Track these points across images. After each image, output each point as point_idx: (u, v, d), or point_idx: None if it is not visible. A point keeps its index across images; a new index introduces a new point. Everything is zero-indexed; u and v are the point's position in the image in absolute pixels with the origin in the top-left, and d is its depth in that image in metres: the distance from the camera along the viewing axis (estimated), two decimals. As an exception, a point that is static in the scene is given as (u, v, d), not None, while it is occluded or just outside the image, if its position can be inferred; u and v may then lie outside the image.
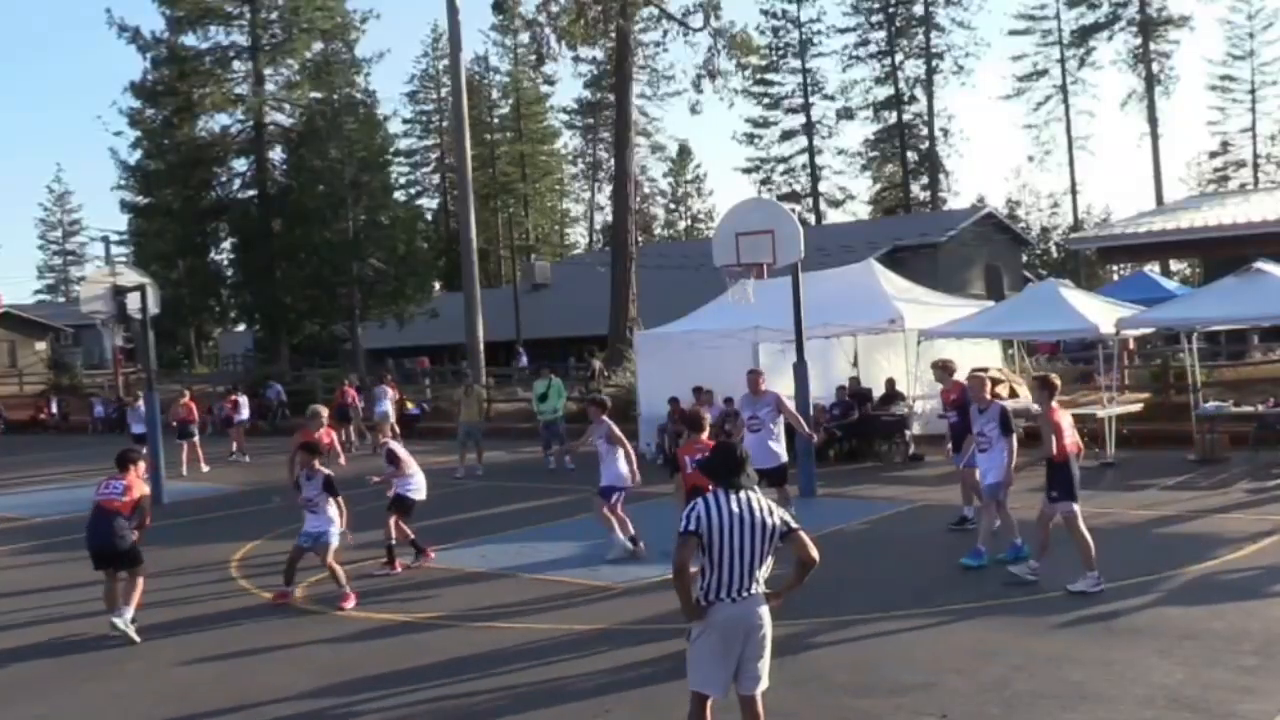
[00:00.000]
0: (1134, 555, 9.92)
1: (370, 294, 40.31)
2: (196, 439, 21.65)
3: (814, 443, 13.84)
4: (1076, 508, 8.94)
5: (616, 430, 11.27)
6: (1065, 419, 9.16)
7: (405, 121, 71.29)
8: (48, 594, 10.93)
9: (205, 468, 21.60)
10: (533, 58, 41.50)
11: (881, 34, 65.88)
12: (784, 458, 11.78)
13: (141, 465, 9.44)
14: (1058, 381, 9.61)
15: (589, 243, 79.27)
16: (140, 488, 9.13)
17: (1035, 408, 18.23)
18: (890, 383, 18.84)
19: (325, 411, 13.88)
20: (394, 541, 11.24)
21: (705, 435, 9.34)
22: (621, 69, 33.34)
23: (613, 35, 32.06)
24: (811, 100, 68.02)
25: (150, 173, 41.56)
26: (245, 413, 25.24)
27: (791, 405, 12.59)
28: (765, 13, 65.81)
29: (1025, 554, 9.57)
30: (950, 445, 11.76)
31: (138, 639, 8.72)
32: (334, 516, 9.98)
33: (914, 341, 17.78)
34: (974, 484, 10.97)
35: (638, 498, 15.28)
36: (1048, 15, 63.85)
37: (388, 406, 24.07)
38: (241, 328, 53.18)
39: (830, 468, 16.79)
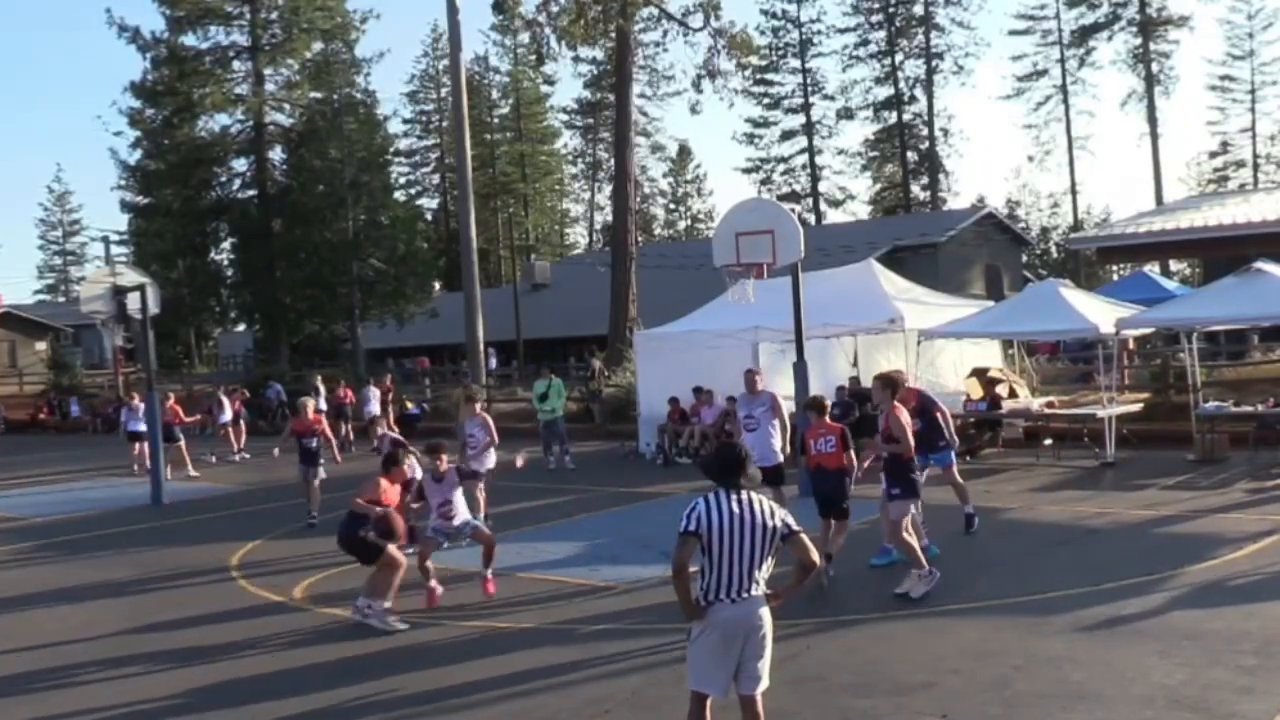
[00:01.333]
0: (1134, 555, 9.92)
1: (370, 294, 40.33)
2: (181, 442, 21.40)
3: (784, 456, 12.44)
4: (914, 509, 9.04)
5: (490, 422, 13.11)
6: (906, 416, 9.33)
7: (405, 121, 71.53)
8: (47, 594, 10.94)
9: (193, 471, 21.31)
10: (533, 58, 41.49)
11: (881, 34, 65.91)
12: (780, 458, 11.66)
13: (401, 469, 9.42)
14: (900, 378, 9.73)
15: (589, 243, 79.29)
16: (383, 493, 9.11)
17: (1035, 407, 18.40)
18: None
19: (311, 403, 15.25)
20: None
21: (827, 418, 9.68)
22: (621, 69, 33.33)
23: (613, 35, 32.03)
24: (811, 100, 68.06)
25: (150, 173, 41.59)
26: (228, 414, 25.14)
27: (785, 409, 12.42)
28: (765, 13, 65.91)
29: (896, 559, 9.56)
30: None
31: (390, 628, 8.62)
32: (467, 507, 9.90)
33: (914, 341, 17.77)
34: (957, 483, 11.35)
35: (640, 497, 15.32)
36: (1048, 15, 63.90)
37: (375, 407, 24.30)
38: (241, 328, 53.20)
39: (830, 468, 16.76)
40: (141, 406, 20.63)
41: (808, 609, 8.38)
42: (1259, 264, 15.56)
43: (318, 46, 41.48)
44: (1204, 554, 9.73)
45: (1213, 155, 67.03)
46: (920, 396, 11.37)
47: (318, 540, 13.08)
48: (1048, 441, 17.50)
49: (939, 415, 11.36)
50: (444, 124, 68.44)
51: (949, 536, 11.25)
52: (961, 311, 19.20)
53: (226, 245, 44.14)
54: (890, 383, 9.44)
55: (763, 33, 62.21)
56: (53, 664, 8.35)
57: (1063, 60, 63.83)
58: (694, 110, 73.25)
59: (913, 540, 8.93)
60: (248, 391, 29.32)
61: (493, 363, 42.33)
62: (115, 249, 48.48)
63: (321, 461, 14.49)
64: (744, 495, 5.05)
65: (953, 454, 11.41)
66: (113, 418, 33.36)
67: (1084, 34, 62.11)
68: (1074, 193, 65.65)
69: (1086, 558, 9.97)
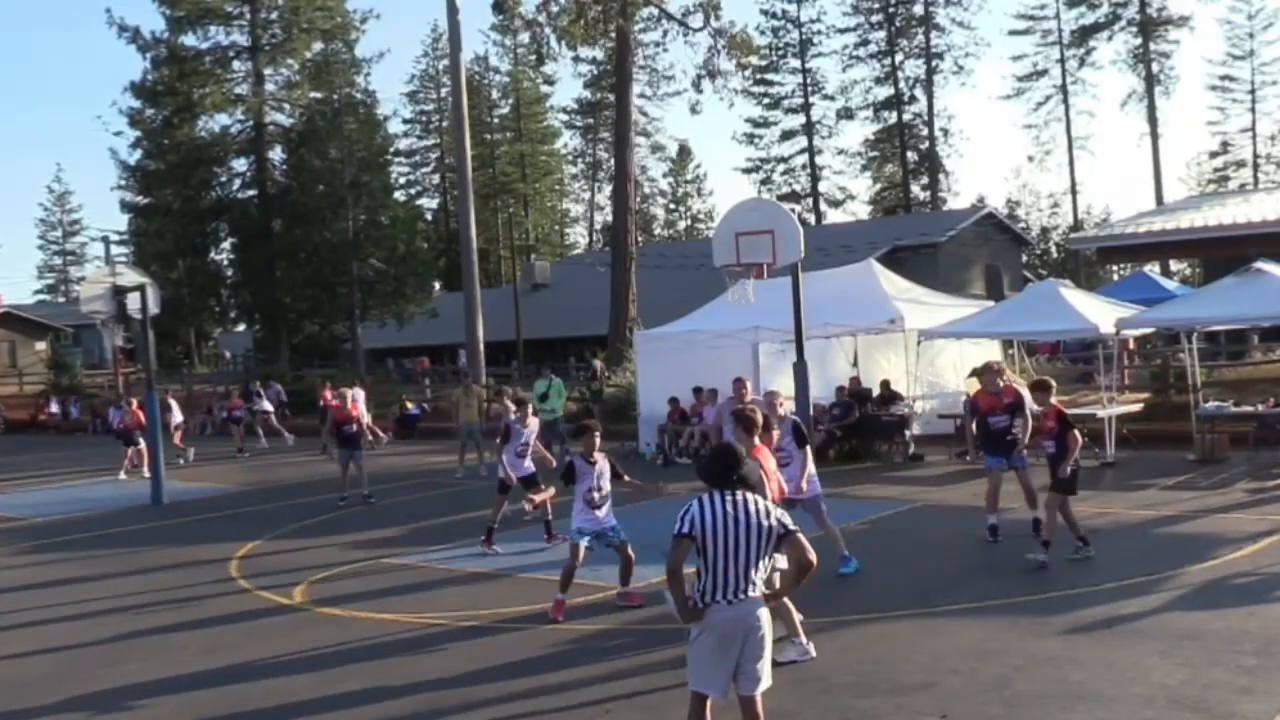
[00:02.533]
0: (1134, 555, 9.92)
1: (370, 294, 40.34)
2: (141, 445, 21.19)
3: None
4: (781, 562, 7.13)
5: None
6: (770, 460, 7.72)
7: (405, 121, 71.63)
8: (47, 594, 10.93)
9: (123, 475, 21.22)
10: (533, 58, 41.49)
11: (881, 34, 65.94)
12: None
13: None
14: (758, 418, 7.43)
15: (589, 243, 79.31)
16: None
17: (1035, 407, 18.34)
18: (885, 384, 18.79)
19: (349, 392, 16.85)
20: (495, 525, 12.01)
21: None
22: (621, 69, 33.35)
23: (613, 35, 32.06)
24: (811, 100, 68.09)
25: (150, 173, 41.60)
26: (177, 416, 25.10)
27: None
28: (765, 13, 65.96)
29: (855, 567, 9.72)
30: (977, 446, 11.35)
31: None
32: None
33: (914, 341, 17.77)
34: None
35: (640, 497, 15.29)
36: (1048, 15, 63.95)
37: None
38: (241, 328, 53.21)
39: (830, 468, 16.77)
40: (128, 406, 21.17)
41: (808, 609, 8.36)
42: (1259, 264, 15.56)
43: (318, 46, 41.51)
44: (1204, 554, 9.73)
45: (1213, 155, 67.11)
46: (1016, 394, 11.05)
47: (318, 540, 13.11)
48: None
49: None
50: (444, 124, 68.46)
51: (954, 537, 11.26)
52: (961, 311, 19.20)
53: (226, 245, 44.18)
54: (746, 422, 7.30)
55: (763, 33, 62.35)
56: (52, 664, 8.35)
57: (1063, 60, 63.90)
58: (694, 110, 73.38)
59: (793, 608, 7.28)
60: (241, 399, 29.21)
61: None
62: (115, 249, 48.47)
63: (364, 444, 16.07)
64: (738, 496, 5.04)
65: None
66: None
67: (1084, 34, 62.15)
68: (1074, 193, 65.77)
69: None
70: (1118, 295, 21.70)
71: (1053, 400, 9.99)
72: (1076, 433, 9.71)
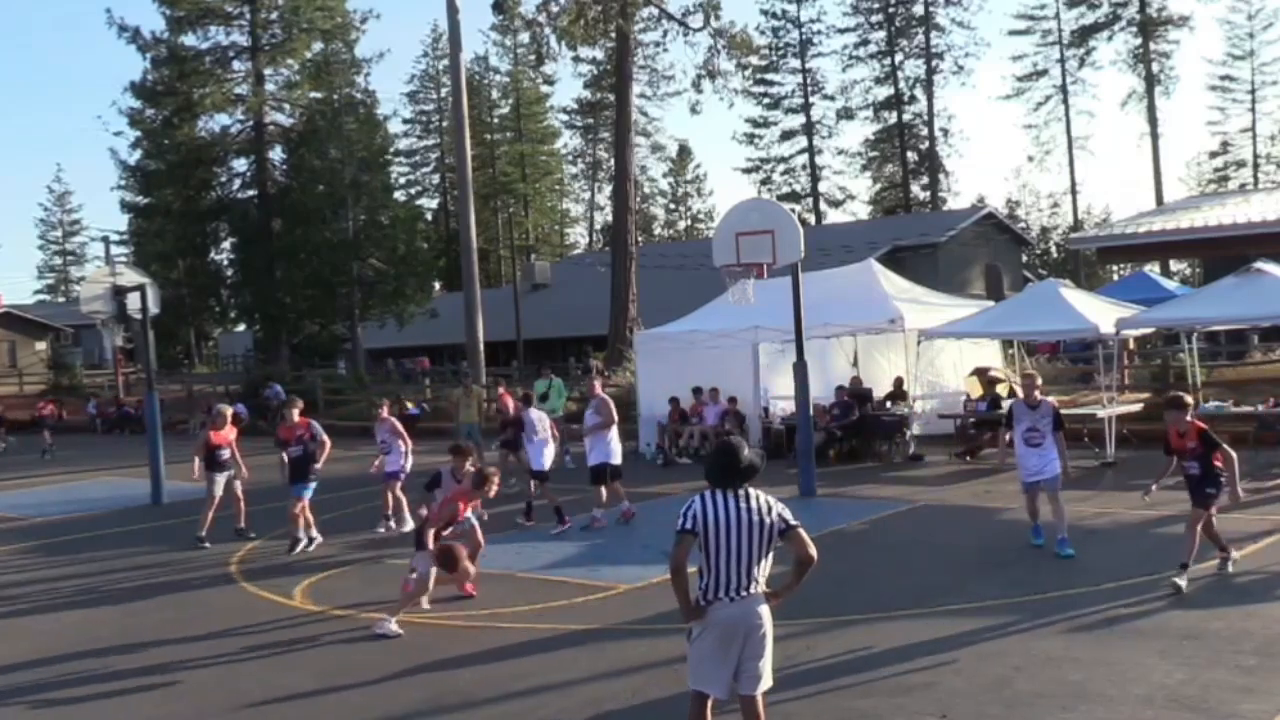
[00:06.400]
0: (1134, 555, 9.92)
1: (370, 294, 40.34)
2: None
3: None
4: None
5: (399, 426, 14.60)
6: None
7: (405, 121, 71.71)
8: (46, 594, 10.93)
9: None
10: (533, 58, 41.55)
11: (881, 34, 66.02)
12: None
13: None
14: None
15: (589, 243, 79.36)
16: None
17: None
18: (899, 381, 18.72)
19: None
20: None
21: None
22: (621, 69, 33.39)
23: (613, 35, 32.10)
24: (811, 100, 68.16)
25: (150, 173, 41.64)
26: None
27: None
28: (765, 13, 66.05)
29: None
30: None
31: None
32: None
33: (914, 341, 17.76)
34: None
35: (640, 497, 15.31)
36: (1048, 15, 64.03)
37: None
38: (241, 328, 53.22)
39: (830, 468, 16.79)
40: None
41: (808, 609, 8.37)
42: (1259, 264, 15.55)
43: (318, 46, 41.54)
44: (1204, 554, 9.71)
45: (1213, 155, 67.18)
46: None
47: (318, 540, 13.08)
48: (1048, 441, 17.46)
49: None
50: (444, 124, 68.49)
51: (954, 537, 11.25)
52: (961, 311, 19.19)
53: (226, 245, 44.22)
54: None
55: (763, 33, 62.38)
56: (52, 664, 8.33)
57: (1063, 60, 63.96)
58: (694, 110, 73.48)
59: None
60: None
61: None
62: (115, 249, 48.61)
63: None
64: (740, 493, 5.04)
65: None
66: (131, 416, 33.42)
67: (1084, 34, 62.21)
68: (1074, 193, 65.86)
69: (1086, 558, 9.97)
70: (1118, 295, 21.69)
71: None
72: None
